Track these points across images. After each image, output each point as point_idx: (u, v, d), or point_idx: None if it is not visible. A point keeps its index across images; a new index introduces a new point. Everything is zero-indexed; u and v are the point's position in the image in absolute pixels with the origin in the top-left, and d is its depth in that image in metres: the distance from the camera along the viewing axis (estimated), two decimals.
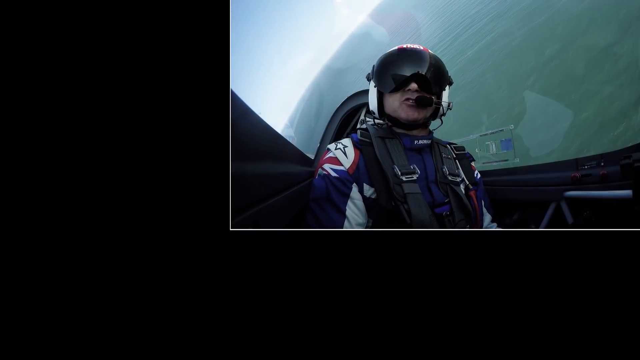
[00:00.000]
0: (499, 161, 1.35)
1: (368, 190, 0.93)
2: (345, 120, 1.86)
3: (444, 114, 1.06)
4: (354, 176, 0.94)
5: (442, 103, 1.02)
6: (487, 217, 1.08)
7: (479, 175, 1.14)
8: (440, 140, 1.11)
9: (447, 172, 1.00)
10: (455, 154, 1.10)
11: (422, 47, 1.04)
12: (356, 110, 1.82)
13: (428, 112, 1.02)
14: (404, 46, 1.04)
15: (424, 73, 0.97)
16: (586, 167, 0.99)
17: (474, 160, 1.14)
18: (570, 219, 1.04)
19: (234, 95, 0.50)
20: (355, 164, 0.96)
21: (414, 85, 0.96)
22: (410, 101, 0.97)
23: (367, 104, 1.80)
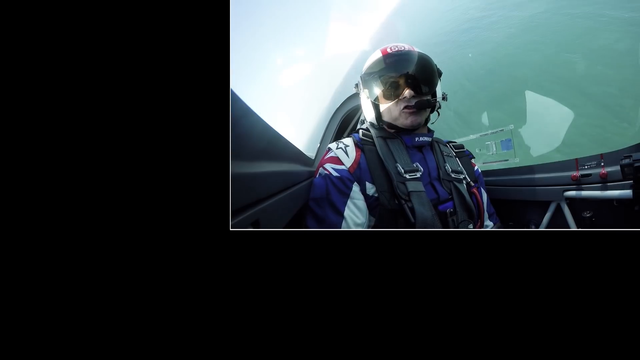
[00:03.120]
0: (499, 161, 1.35)
1: (370, 189, 0.92)
2: (345, 120, 1.86)
3: (439, 107, 1.06)
4: (355, 175, 0.93)
5: (438, 99, 1.01)
6: (485, 215, 1.08)
7: (479, 170, 1.14)
8: (440, 139, 1.11)
9: (450, 170, 1.00)
10: (455, 152, 1.10)
11: (406, 47, 1.00)
12: (356, 110, 1.82)
13: (427, 111, 1.02)
14: (388, 49, 1.00)
15: (415, 75, 0.94)
16: (586, 167, 0.99)
17: (473, 157, 1.15)
18: (570, 219, 1.04)
19: (234, 95, 0.50)
20: (357, 163, 0.95)
21: (409, 92, 0.94)
22: (410, 108, 0.96)
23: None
